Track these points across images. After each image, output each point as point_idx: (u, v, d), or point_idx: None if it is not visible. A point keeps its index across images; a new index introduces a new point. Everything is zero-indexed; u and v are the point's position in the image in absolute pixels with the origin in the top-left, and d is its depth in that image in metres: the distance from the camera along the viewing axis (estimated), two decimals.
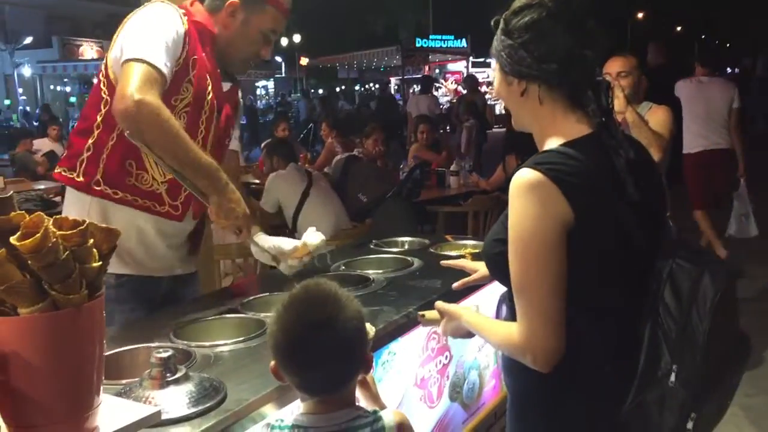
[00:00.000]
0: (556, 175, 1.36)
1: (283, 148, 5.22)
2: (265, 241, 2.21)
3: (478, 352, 2.46)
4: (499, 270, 1.50)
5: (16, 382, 1.08)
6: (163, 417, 1.36)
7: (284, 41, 30.37)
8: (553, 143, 1.45)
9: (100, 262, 1.14)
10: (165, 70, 1.92)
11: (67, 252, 1.06)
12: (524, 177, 1.39)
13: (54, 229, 1.05)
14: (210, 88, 2.09)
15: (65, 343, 1.10)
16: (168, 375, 1.44)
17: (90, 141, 2.04)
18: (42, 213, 1.03)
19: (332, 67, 31.56)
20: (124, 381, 1.51)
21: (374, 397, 1.51)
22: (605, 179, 1.41)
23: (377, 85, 37.43)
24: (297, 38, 30.25)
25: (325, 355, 1.34)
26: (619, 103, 3.14)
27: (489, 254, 1.56)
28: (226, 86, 2.20)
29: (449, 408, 2.28)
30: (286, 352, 1.36)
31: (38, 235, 0.99)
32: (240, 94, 2.38)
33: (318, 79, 35.48)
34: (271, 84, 35.80)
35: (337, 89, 34.16)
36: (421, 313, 1.81)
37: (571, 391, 1.47)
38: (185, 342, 1.77)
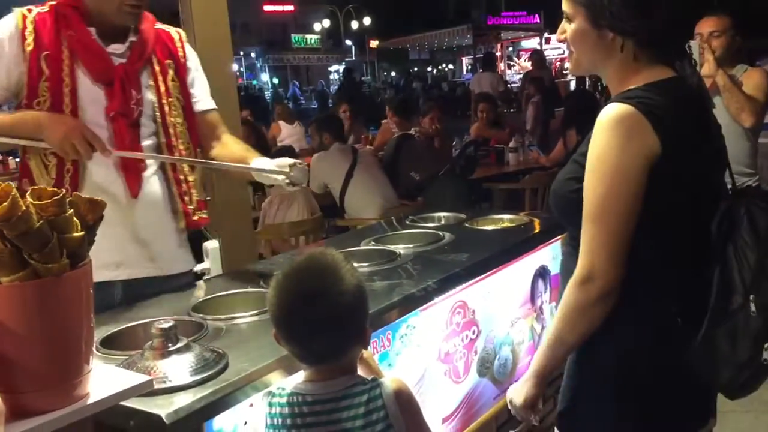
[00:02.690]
0: (646, 108, 1.39)
1: (333, 124, 5.09)
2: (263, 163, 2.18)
3: (511, 328, 2.40)
4: (570, 209, 1.52)
5: (3, 349, 1.12)
6: (163, 385, 1.39)
7: (354, 24, 30.54)
8: (637, 82, 1.47)
9: (83, 233, 1.16)
10: None
11: (42, 221, 1.08)
12: (613, 110, 1.41)
13: (30, 199, 1.08)
14: (68, 78, 1.99)
15: (48, 310, 1.13)
16: (169, 345, 1.46)
17: None
18: (11, 183, 1.04)
19: (403, 48, 31.50)
20: (133, 352, 1.55)
21: (375, 373, 1.50)
22: (690, 116, 1.46)
23: (450, 66, 37.15)
24: (367, 21, 30.28)
25: (319, 325, 1.34)
26: (708, 66, 3.06)
27: (561, 193, 1.56)
28: (118, 47, 2.07)
29: (478, 383, 2.24)
30: (282, 321, 1.38)
31: (5, 203, 1.02)
32: (180, 37, 2.24)
33: (389, 61, 35.47)
34: (342, 68, 36.02)
35: (410, 71, 34.05)
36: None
37: (638, 334, 1.48)
38: (201, 315, 1.80)
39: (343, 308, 1.35)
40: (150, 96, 2.12)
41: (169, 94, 2.17)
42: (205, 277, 2.36)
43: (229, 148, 2.30)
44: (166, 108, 2.15)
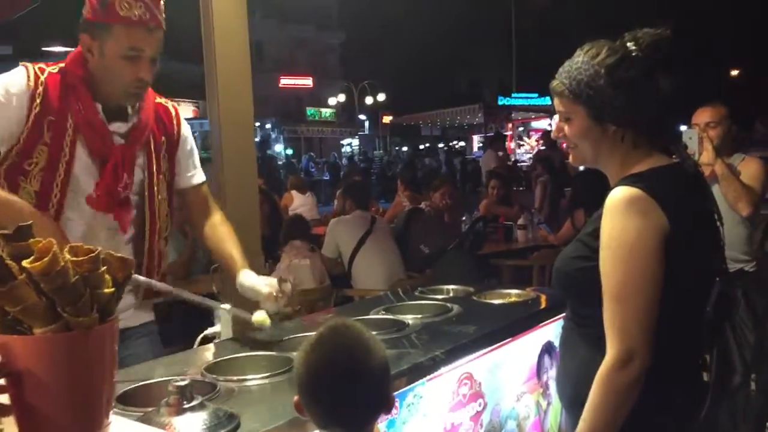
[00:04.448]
0: (652, 190, 1.47)
1: (359, 191, 5.25)
2: (247, 278, 2.25)
3: (517, 402, 2.42)
4: (575, 286, 1.58)
5: (29, 398, 1.17)
6: None
7: (368, 100, 31.27)
8: (639, 169, 1.55)
9: (113, 289, 1.23)
10: None
11: (77, 276, 1.15)
12: (622, 193, 1.49)
13: (68, 255, 1.15)
14: (67, 148, 2.03)
15: (75, 362, 1.18)
16: (184, 403, 1.51)
17: None
18: (53, 240, 1.12)
19: (415, 125, 32.10)
20: (150, 408, 1.59)
21: None
22: (691, 198, 1.54)
23: (462, 143, 37.71)
24: (381, 97, 30.97)
25: (352, 401, 1.34)
26: (707, 155, 3.12)
27: (566, 270, 1.62)
28: (120, 126, 2.13)
29: None
30: (313, 396, 1.35)
31: (46, 258, 1.09)
32: (176, 113, 2.30)
33: (402, 136, 36.10)
34: (356, 141, 36.63)
35: (421, 147, 34.57)
36: None
37: (640, 409, 1.47)
38: (214, 376, 1.84)
39: (375, 382, 1.35)
40: (140, 174, 2.20)
41: (159, 171, 2.24)
42: (216, 341, 2.40)
43: (218, 234, 2.35)
44: (155, 188, 2.23)
